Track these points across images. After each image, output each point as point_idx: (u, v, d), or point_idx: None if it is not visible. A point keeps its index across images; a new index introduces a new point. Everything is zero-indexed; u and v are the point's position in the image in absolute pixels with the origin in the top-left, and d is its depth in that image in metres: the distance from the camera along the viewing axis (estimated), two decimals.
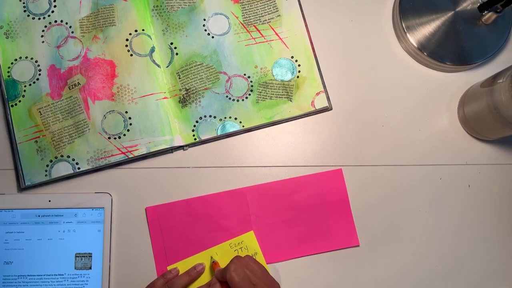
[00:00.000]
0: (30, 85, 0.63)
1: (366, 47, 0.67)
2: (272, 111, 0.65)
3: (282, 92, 0.65)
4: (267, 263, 0.61)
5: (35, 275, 0.60)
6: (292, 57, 0.66)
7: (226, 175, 0.64)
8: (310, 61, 0.66)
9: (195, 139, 0.63)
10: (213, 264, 0.60)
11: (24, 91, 0.63)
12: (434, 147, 0.65)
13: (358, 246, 0.63)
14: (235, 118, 0.64)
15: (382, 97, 0.66)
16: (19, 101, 0.63)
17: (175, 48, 0.65)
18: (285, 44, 0.66)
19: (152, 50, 0.64)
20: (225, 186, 0.63)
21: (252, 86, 0.65)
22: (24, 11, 0.66)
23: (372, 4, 0.69)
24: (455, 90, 0.67)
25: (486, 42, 0.66)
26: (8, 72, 0.64)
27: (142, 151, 0.62)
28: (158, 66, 0.64)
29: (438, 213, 0.64)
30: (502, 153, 0.66)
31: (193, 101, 0.64)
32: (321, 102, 0.65)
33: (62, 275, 0.60)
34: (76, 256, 0.60)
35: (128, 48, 0.64)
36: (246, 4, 0.67)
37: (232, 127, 0.64)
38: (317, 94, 0.65)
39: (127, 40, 0.64)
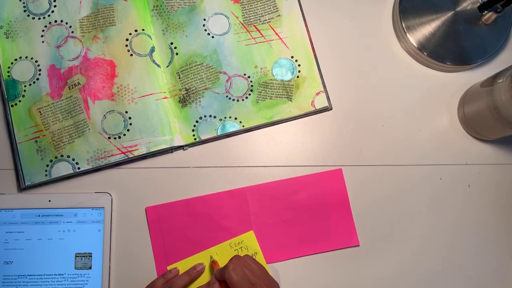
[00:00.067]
0: (30, 85, 0.63)
1: (366, 47, 0.67)
2: (272, 111, 0.65)
3: (282, 92, 0.65)
4: (267, 263, 0.61)
5: (35, 275, 0.60)
6: (292, 57, 0.66)
7: (226, 175, 0.64)
8: (310, 61, 0.66)
9: (195, 139, 0.63)
10: (213, 263, 0.60)
11: (24, 91, 0.63)
12: (434, 147, 0.65)
13: (358, 246, 0.63)
14: (235, 118, 0.64)
15: (382, 97, 0.66)
16: (19, 101, 0.63)
17: (175, 48, 0.65)
18: (285, 44, 0.66)
19: (152, 50, 0.64)
20: (225, 186, 0.63)
21: (252, 86, 0.65)
22: (24, 11, 0.66)
23: (372, 4, 0.69)
24: (455, 90, 0.67)
25: (486, 42, 0.66)
26: (8, 72, 0.64)
27: (142, 151, 0.62)
28: (158, 66, 0.64)
29: (438, 213, 0.64)
30: (502, 153, 0.66)
31: (193, 101, 0.64)
32: (321, 102, 0.65)
33: (62, 275, 0.60)
34: (76, 256, 0.60)
35: (128, 48, 0.64)
36: (246, 4, 0.67)
37: (232, 127, 0.64)
38: (317, 94, 0.65)
39: (127, 40, 0.64)
